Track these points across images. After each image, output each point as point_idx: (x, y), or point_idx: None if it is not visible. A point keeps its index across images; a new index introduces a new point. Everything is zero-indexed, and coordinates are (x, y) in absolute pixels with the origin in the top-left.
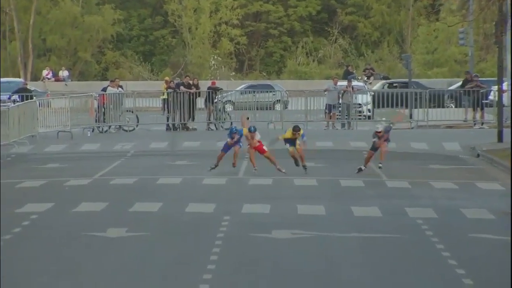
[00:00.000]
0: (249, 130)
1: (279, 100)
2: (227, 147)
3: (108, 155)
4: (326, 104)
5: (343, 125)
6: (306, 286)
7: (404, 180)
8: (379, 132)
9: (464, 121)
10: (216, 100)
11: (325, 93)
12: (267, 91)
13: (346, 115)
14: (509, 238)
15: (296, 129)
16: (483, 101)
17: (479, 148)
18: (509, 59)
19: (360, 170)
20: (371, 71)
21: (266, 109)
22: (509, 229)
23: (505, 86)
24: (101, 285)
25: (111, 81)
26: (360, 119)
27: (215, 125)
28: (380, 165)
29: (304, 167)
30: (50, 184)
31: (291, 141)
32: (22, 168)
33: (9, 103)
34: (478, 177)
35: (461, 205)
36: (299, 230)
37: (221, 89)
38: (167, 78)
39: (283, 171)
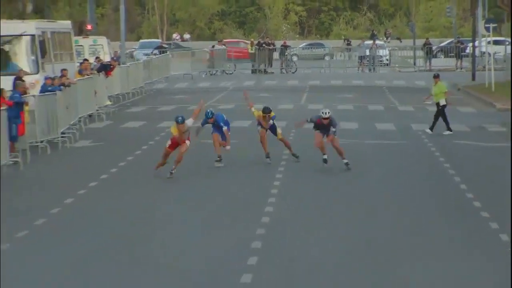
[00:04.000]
0: (176, 121)
1: (328, 53)
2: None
3: (216, 90)
4: (359, 56)
5: (369, 70)
6: (340, 174)
7: (410, 106)
8: (326, 118)
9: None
10: (286, 53)
11: (360, 46)
12: (319, 47)
13: (372, 63)
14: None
15: (266, 111)
16: (462, 53)
17: (460, 85)
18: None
19: (325, 161)
20: (389, 33)
21: (319, 59)
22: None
23: (477, 43)
24: (208, 193)
25: (218, 41)
26: (381, 65)
27: (285, 70)
28: (346, 161)
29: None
30: (178, 108)
31: (272, 129)
32: (160, 98)
33: (152, 56)
34: (458, 103)
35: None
36: (340, 139)
37: (290, 46)
38: (252, 39)
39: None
